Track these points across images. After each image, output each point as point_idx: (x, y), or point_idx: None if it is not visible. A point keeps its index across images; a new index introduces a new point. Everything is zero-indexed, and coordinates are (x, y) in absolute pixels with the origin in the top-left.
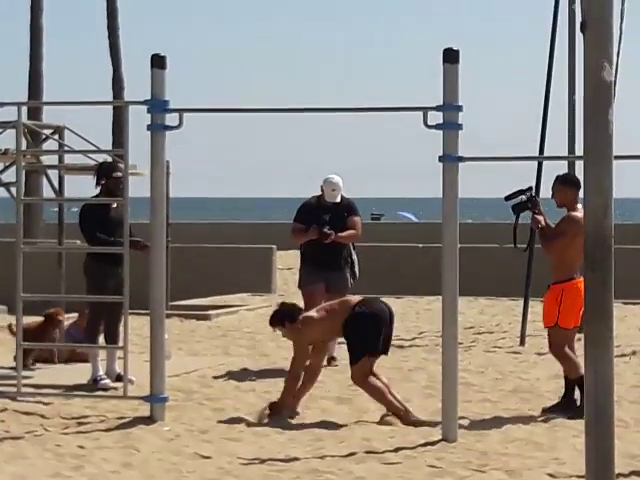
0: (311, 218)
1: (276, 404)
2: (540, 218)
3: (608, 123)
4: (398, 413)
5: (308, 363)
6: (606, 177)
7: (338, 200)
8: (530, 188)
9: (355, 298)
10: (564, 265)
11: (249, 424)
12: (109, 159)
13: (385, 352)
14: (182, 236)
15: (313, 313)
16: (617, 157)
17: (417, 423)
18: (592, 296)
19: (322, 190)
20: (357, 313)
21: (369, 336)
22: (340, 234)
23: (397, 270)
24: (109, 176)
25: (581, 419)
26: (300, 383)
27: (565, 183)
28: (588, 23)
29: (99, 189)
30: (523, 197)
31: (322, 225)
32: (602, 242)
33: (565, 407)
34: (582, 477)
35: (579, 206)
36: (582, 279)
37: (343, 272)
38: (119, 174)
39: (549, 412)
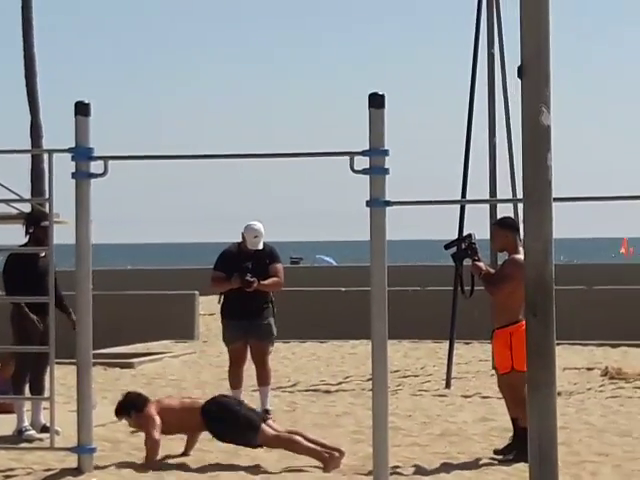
0: (232, 266)
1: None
2: (481, 264)
3: (547, 168)
4: (321, 458)
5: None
6: (546, 222)
7: (260, 247)
8: (469, 235)
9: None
10: (510, 309)
11: (177, 474)
12: (31, 208)
13: (260, 422)
14: (104, 283)
15: (163, 399)
16: (557, 199)
17: (339, 460)
18: (534, 340)
19: (243, 237)
20: (210, 412)
21: (243, 419)
22: (263, 282)
23: (320, 314)
24: (37, 225)
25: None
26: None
27: (504, 227)
28: (525, 69)
29: (27, 238)
30: (462, 245)
31: (244, 273)
32: (544, 287)
33: (520, 447)
34: None
35: (520, 249)
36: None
37: (268, 321)
38: (47, 223)
39: (502, 453)
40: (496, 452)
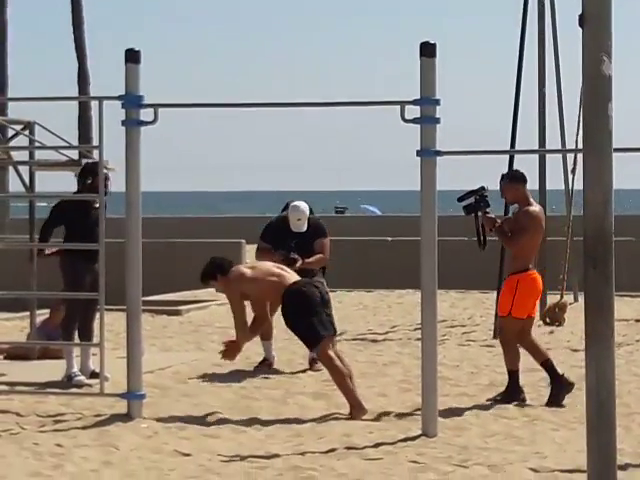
0: (277, 240)
1: (228, 347)
2: (493, 217)
3: (608, 118)
4: (353, 403)
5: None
6: (606, 173)
7: (304, 229)
8: (482, 188)
9: (293, 278)
10: (521, 257)
11: (224, 421)
12: (78, 156)
13: (334, 331)
14: (151, 231)
15: (246, 270)
16: (617, 150)
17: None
18: (593, 293)
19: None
20: (291, 298)
21: (313, 321)
22: (307, 260)
23: (366, 263)
24: (96, 175)
25: (508, 404)
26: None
27: (514, 180)
28: (586, 17)
29: (81, 188)
30: (475, 197)
31: (288, 251)
32: (603, 239)
33: (510, 396)
34: (564, 471)
35: (532, 200)
36: (535, 271)
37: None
38: (106, 174)
39: (495, 400)
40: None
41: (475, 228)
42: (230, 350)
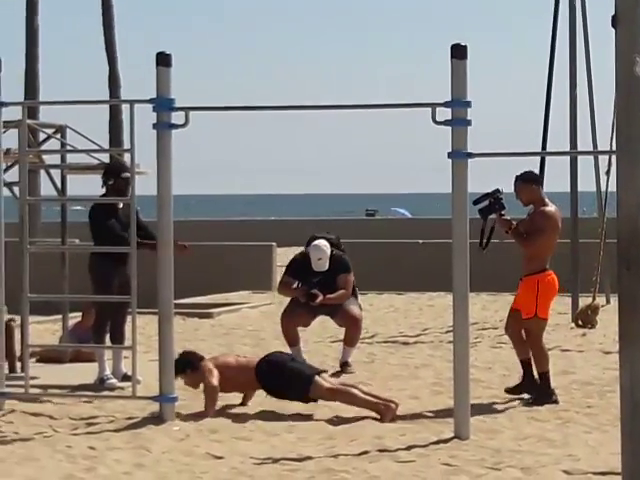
0: (301, 275)
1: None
2: (508, 218)
3: None
4: (378, 410)
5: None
6: (639, 174)
7: (325, 268)
8: (497, 190)
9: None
10: (537, 258)
11: (256, 423)
12: (110, 159)
13: (320, 371)
14: (181, 234)
15: (218, 357)
16: None
17: (394, 411)
18: (627, 294)
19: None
20: (265, 367)
21: (296, 373)
22: (329, 296)
23: (397, 266)
24: (118, 176)
25: (540, 406)
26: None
27: (529, 181)
28: (619, 17)
29: (105, 189)
30: (490, 200)
31: (310, 287)
32: (637, 240)
33: (530, 387)
34: (598, 474)
35: (547, 200)
36: (552, 271)
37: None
38: (127, 174)
39: (512, 392)
40: (507, 390)
41: (481, 229)
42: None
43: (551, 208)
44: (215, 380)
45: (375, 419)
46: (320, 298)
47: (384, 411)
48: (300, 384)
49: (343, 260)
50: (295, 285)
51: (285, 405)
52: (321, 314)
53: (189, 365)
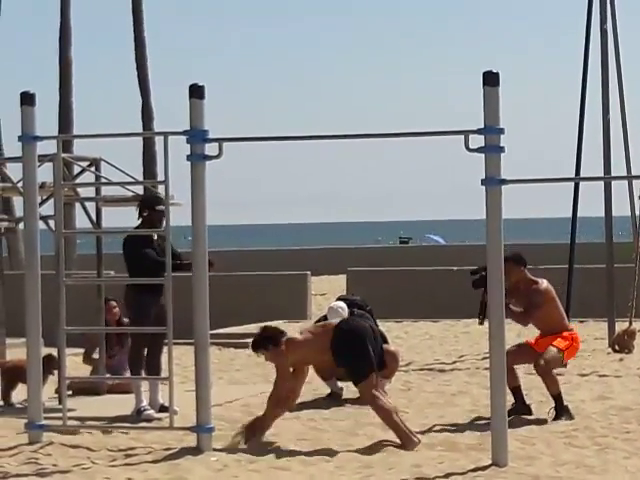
0: None
1: (252, 426)
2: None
3: None
4: (402, 437)
5: (290, 386)
6: None
7: None
8: None
9: (336, 321)
10: (553, 321)
11: (293, 453)
12: (144, 191)
13: (380, 367)
14: (218, 264)
15: (297, 335)
16: None
17: (416, 445)
18: None
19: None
20: (342, 331)
21: (364, 352)
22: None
23: (432, 293)
24: (152, 208)
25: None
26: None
27: (519, 262)
28: None
29: (140, 221)
30: (481, 274)
31: None
32: None
33: (521, 411)
34: None
35: (535, 278)
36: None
37: None
38: (162, 207)
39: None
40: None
41: (480, 302)
42: (250, 434)
43: (543, 283)
44: (284, 378)
45: (396, 446)
46: None
47: (408, 441)
48: (359, 369)
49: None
50: None
51: (322, 435)
52: None
53: (271, 341)
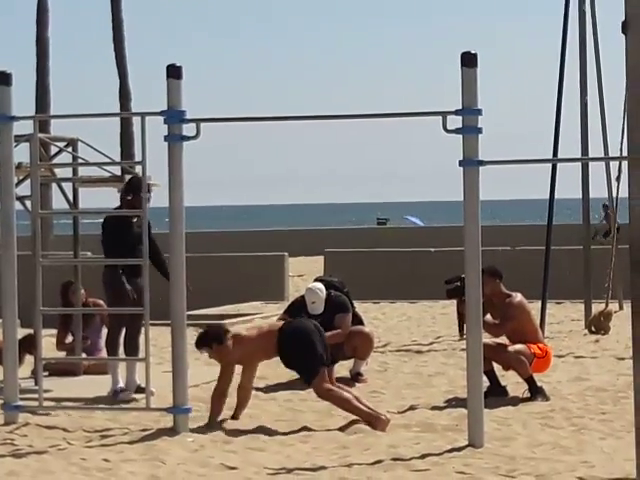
0: (297, 315)
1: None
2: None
3: None
4: (369, 419)
5: (239, 383)
6: None
7: (320, 311)
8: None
9: (281, 322)
10: (529, 335)
11: (270, 433)
12: (121, 172)
13: (332, 362)
14: (192, 245)
15: (242, 332)
16: None
17: (386, 424)
18: (638, 299)
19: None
20: (285, 334)
21: (310, 351)
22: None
23: (410, 274)
24: (136, 194)
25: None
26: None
27: (494, 275)
28: (629, 23)
29: (121, 202)
30: (456, 284)
31: None
32: None
33: (496, 392)
34: None
35: (506, 291)
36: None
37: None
38: (148, 195)
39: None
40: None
41: (457, 312)
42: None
43: (517, 297)
44: (226, 384)
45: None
46: None
47: (377, 421)
48: (308, 368)
49: (341, 302)
50: None
51: (299, 415)
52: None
53: (214, 339)
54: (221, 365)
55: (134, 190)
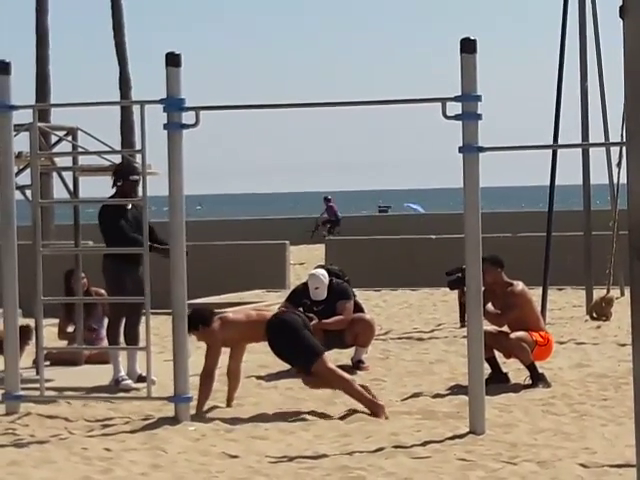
0: (299, 301)
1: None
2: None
3: None
4: (369, 405)
5: (228, 366)
6: None
7: (322, 297)
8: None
9: (269, 313)
10: (531, 324)
11: (271, 421)
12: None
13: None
14: (194, 234)
15: (230, 314)
16: None
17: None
18: (637, 285)
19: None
20: (274, 326)
21: (304, 340)
22: (325, 320)
23: (411, 262)
24: (126, 178)
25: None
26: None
27: (495, 264)
28: (627, 8)
29: (114, 190)
30: (458, 275)
31: (304, 310)
32: None
33: (498, 379)
34: (614, 466)
35: (508, 280)
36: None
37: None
38: (136, 177)
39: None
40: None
41: (459, 303)
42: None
43: (518, 285)
44: (214, 363)
45: (366, 414)
46: (314, 321)
47: (377, 407)
48: (308, 356)
49: (343, 289)
50: None
51: (300, 403)
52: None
53: (201, 321)
54: (207, 346)
55: (123, 176)
